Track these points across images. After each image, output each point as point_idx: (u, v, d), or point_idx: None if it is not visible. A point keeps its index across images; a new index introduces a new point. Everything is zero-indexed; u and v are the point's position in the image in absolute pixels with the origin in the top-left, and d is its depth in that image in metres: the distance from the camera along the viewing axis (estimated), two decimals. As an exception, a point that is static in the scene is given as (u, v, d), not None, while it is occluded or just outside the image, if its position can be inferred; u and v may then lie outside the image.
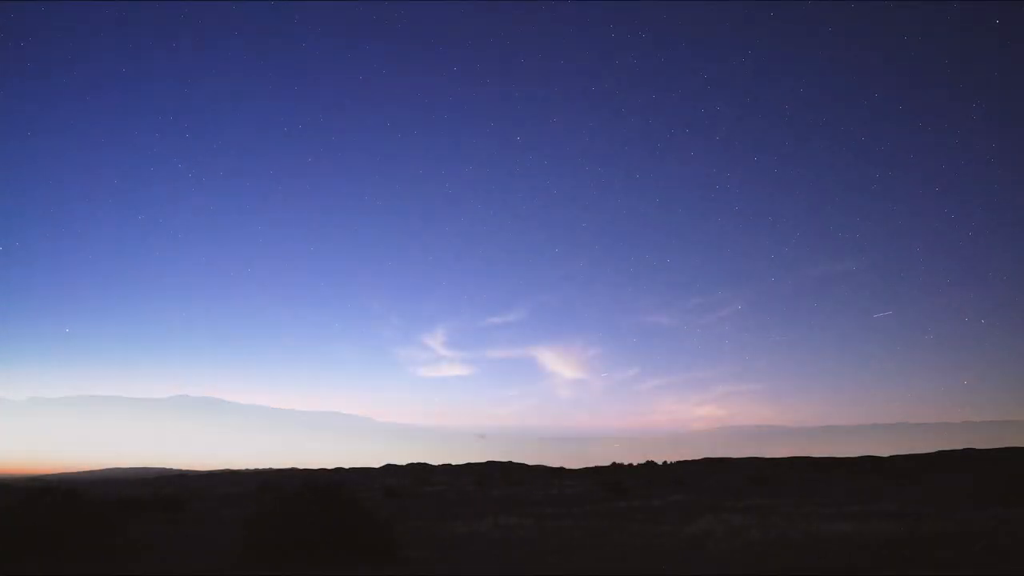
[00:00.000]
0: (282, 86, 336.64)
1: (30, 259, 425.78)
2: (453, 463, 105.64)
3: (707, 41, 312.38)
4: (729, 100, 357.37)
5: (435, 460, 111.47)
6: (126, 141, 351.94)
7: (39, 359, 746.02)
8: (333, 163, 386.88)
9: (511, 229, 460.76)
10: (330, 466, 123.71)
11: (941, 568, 10.38)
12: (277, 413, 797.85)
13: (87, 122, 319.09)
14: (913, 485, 37.95)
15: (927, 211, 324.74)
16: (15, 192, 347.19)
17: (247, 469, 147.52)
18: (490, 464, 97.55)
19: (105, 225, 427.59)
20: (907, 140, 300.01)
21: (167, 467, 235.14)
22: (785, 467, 68.25)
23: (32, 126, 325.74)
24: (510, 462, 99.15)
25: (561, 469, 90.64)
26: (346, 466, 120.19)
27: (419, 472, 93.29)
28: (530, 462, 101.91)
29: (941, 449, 78.02)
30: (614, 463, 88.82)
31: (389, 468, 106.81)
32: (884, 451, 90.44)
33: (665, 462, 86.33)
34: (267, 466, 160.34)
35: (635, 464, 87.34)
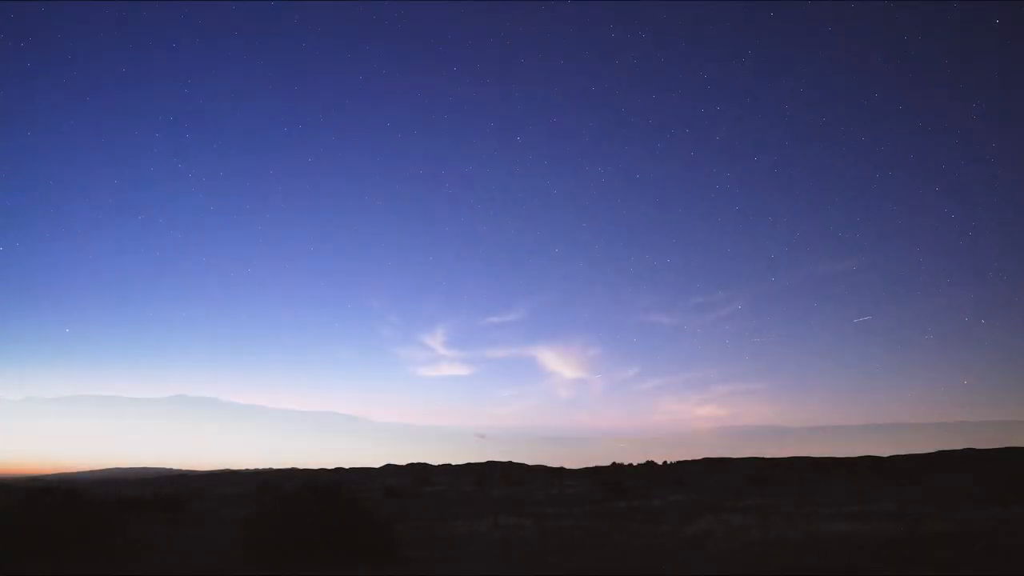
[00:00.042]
0: (282, 86, 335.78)
1: (29, 259, 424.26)
2: (453, 463, 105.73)
3: (707, 41, 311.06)
4: (729, 100, 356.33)
5: (435, 460, 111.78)
6: (126, 141, 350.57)
7: (38, 359, 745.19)
8: (333, 163, 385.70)
9: (511, 229, 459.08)
10: (330, 466, 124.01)
11: (941, 568, 10.38)
12: (277, 413, 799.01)
13: (87, 122, 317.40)
14: (913, 485, 37.93)
15: (927, 211, 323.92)
16: (15, 192, 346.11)
17: (247, 469, 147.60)
18: (490, 464, 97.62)
19: (104, 225, 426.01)
20: (907, 140, 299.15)
21: (167, 467, 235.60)
22: (785, 467, 68.31)
23: (32, 126, 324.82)
24: (510, 462, 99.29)
25: (561, 469, 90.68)
26: (346, 466, 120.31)
27: (419, 472, 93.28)
28: (530, 462, 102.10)
29: (941, 449, 78.24)
30: (614, 463, 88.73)
31: (389, 468, 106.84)
32: (884, 451, 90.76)
33: (665, 462, 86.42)
34: (267, 466, 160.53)
35: (635, 464, 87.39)
